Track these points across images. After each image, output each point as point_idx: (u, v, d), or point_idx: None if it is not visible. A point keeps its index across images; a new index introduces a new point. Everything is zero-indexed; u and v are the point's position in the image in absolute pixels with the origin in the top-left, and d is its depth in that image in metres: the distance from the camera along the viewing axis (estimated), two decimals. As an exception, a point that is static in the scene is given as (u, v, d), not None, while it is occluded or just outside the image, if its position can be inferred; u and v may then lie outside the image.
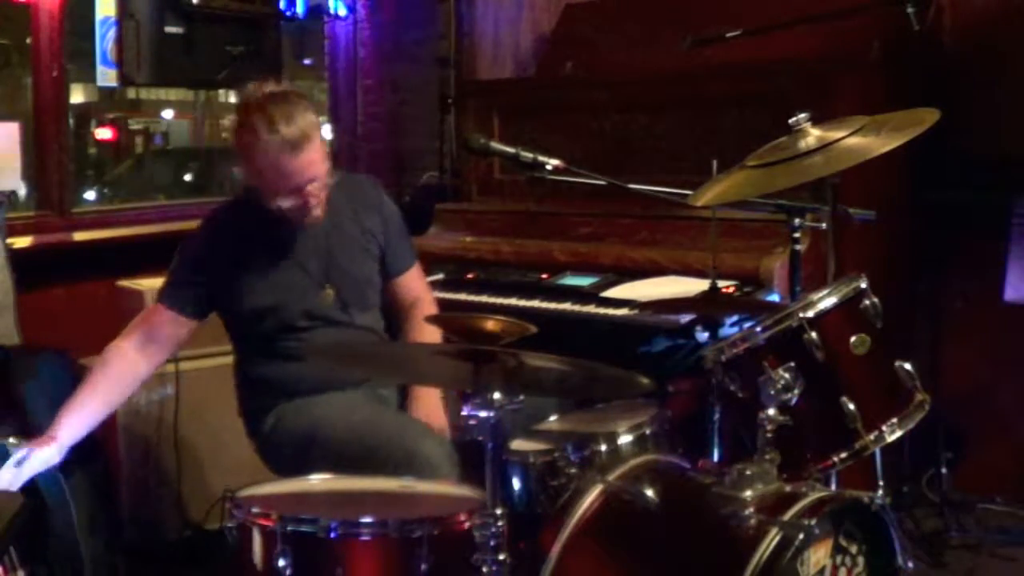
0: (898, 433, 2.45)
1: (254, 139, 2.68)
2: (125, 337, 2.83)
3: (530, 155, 3.00)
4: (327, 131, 5.33)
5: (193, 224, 4.43)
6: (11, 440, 2.61)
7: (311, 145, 2.70)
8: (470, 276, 3.85)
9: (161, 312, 2.85)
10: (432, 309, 3.17)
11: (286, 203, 2.75)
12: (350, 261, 2.97)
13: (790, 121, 2.60)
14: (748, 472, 2.30)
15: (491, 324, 2.18)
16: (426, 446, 2.66)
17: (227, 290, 2.85)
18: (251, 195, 2.84)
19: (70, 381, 3.54)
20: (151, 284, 3.76)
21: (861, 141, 2.49)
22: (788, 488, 2.32)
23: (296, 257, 2.89)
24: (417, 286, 3.19)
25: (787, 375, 2.38)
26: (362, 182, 3.12)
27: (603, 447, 2.60)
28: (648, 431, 2.67)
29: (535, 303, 3.56)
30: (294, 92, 2.77)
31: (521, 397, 2.18)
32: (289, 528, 2.13)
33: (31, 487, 3.28)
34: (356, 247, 2.99)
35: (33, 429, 3.38)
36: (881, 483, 2.90)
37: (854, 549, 2.33)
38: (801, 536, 2.16)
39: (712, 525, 2.28)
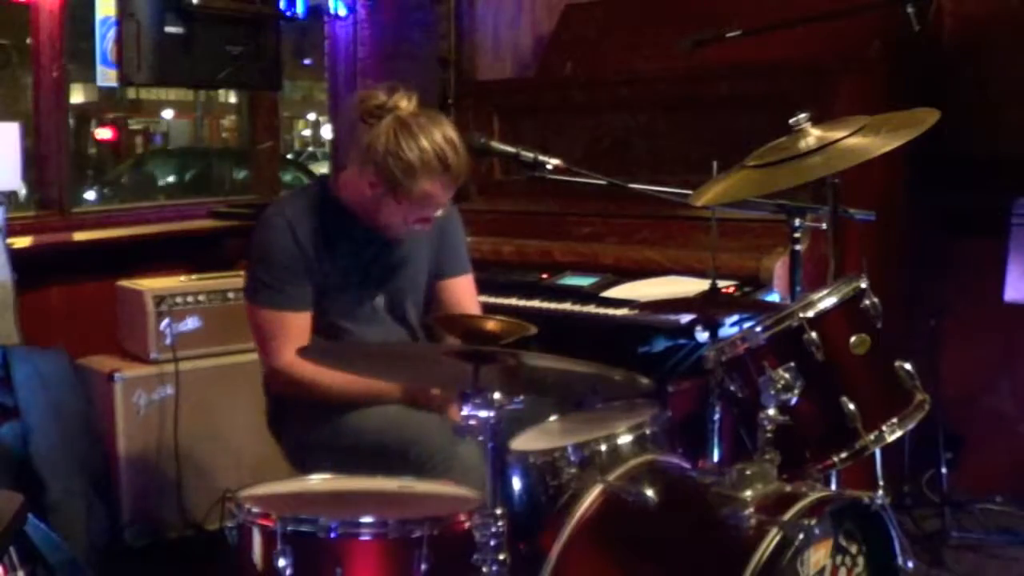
0: (898, 433, 2.45)
1: (421, 154, 2.67)
2: (290, 354, 2.73)
3: (530, 155, 3.00)
4: (327, 131, 5.34)
5: (192, 224, 4.50)
6: None
7: (458, 179, 2.75)
8: (470, 276, 3.85)
9: (296, 318, 2.80)
10: None
11: (400, 220, 2.77)
12: (404, 266, 2.95)
13: (790, 121, 2.60)
14: (748, 472, 2.30)
15: (491, 324, 2.18)
16: (462, 448, 2.65)
17: (315, 282, 2.83)
18: (326, 189, 2.88)
19: (70, 381, 3.56)
20: (151, 284, 3.77)
21: (861, 141, 2.49)
22: (788, 488, 2.32)
23: (360, 257, 2.87)
24: (467, 297, 3.09)
25: (787, 375, 2.38)
26: None
27: (603, 447, 2.59)
28: (648, 431, 2.66)
29: (535, 303, 3.56)
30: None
31: (521, 397, 2.18)
32: (289, 528, 2.13)
33: (31, 486, 3.29)
34: (412, 251, 2.96)
35: (32, 429, 3.40)
36: (881, 483, 2.90)
37: (854, 549, 2.33)
38: (801, 536, 2.16)
39: (712, 525, 2.28)
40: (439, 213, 2.82)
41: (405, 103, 2.74)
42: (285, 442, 2.97)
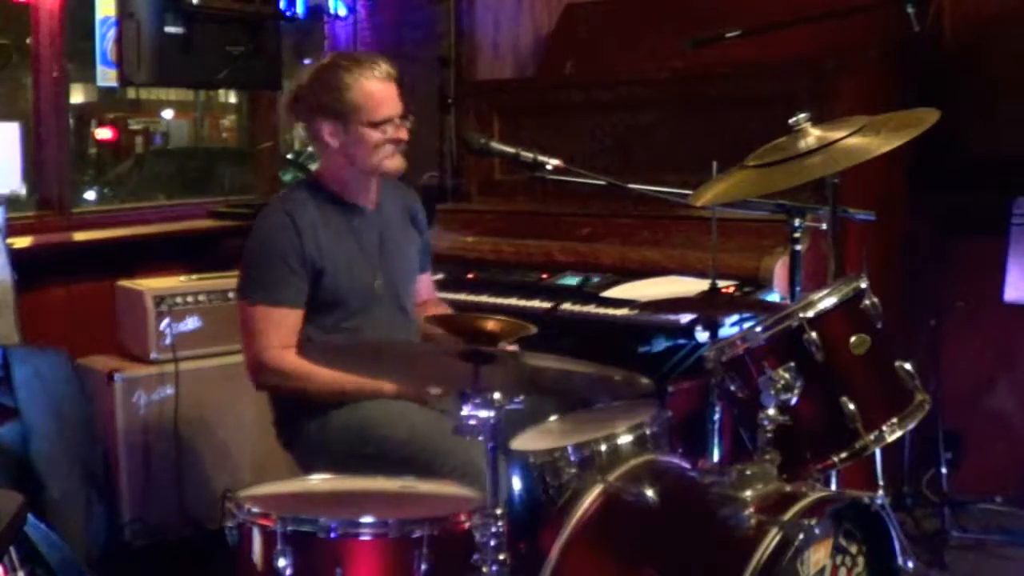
0: (898, 433, 2.45)
1: (348, 72, 2.86)
2: (279, 348, 2.81)
3: (530, 155, 3.00)
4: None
5: (192, 224, 4.49)
6: None
7: (395, 84, 2.91)
8: (470, 276, 3.85)
9: (290, 314, 2.84)
10: (442, 310, 3.23)
11: (380, 140, 2.87)
12: (399, 252, 3.05)
13: (790, 121, 2.60)
14: (748, 472, 2.31)
15: (491, 324, 2.18)
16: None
17: (315, 277, 2.88)
18: (314, 183, 2.98)
19: (70, 381, 3.55)
20: (151, 284, 3.77)
21: (861, 141, 2.49)
22: (788, 488, 2.32)
23: (360, 242, 2.96)
24: (428, 289, 3.31)
25: (787, 375, 2.38)
26: (397, 181, 3.19)
27: (603, 447, 2.60)
28: (648, 431, 2.67)
29: (535, 303, 3.55)
30: None
31: (521, 397, 2.18)
32: (289, 528, 2.13)
33: (31, 485, 3.29)
34: (404, 237, 3.10)
35: (32, 429, 3.39)
36: (881, 483, 2.91)
37: (854, 549, 2.34)
38: (801, 536, 2.16)
39: (712, 525, 2.28)
40: (406, 125, 2.92)
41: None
42: (298, 450, 2.96)
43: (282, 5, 4.30)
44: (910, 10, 3.47)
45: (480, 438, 2.16)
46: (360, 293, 2.93)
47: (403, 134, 2.92)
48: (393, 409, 2.84)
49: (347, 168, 2.94)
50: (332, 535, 2.13)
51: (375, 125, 2.86)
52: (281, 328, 2.82)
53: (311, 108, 2.90)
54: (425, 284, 3.27)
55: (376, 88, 2.87)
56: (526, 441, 2.71)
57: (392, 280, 3.01)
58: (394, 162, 2.93)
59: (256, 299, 2.84)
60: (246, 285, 2.89)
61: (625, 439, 2.62)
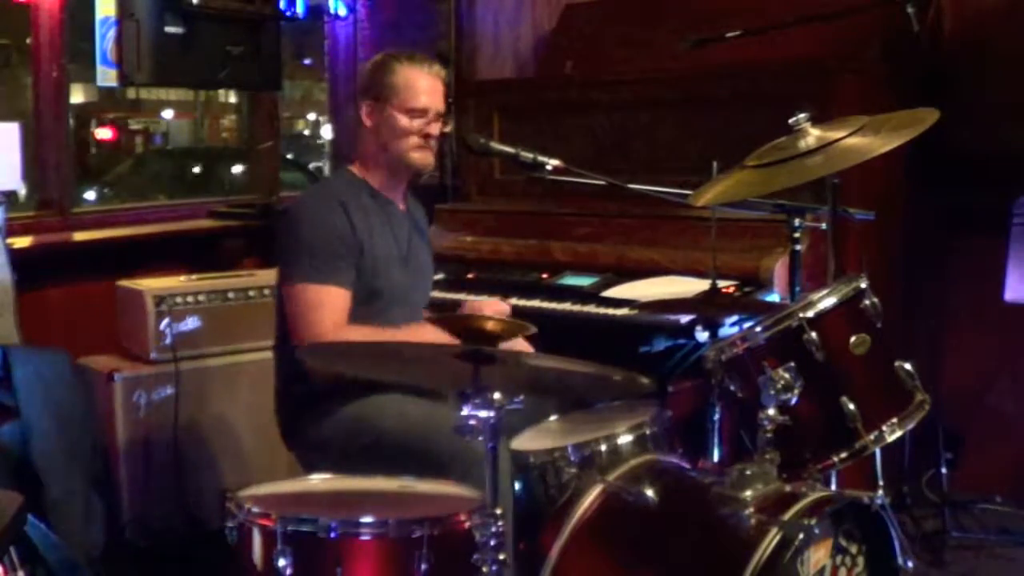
0: (898, 433, 2.45)
1: (398, 61, 3.00)
2: (332, 327, 2.82)
3: (530, 155, 3.01)
4: (327, 131, 5.33)
5: (192, 224, 4.49)
6: None
7: (442, 84, 3.02)
8: (470, 276, 3.85)
9: (342, 293, 2.87)
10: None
11: (408, 127, 2.95)
12: (419, 249, 3.12)
13: (790, 121, 2.60)
14: (748, 472, 2.31)
15: (491, 324, 2.18)
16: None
17: (360, 264, 2.93)
18: (353, 175, 3.04)
19: (70, 381, 3.55)
20: (151, 284, 3.77)
21: (861, 141, 2.49)
22: (788, 488, 2.32)
23: (395, 235, 3.02)
24: None
25: (787, 375, 2.39)
26: (417, 200, 3.28)
27: (603, 447, 2.60)
28: (648, 431, 2.67)
29: (535, 303, 3.56)
30: None
31: (521, 397, 2.18)
32: (289, 528, 2.13)
33: (31, 486, 3.29)
34: (424, 239, 3.19)
35: (32, 429, 3.40)
36: (881, 483, 2.91)
37: (854, 549, 2.34)
38: (801, 536, 2.16)
39: (712, 525, 2.29)
40: (440, 124, 3.01)
41: None
42: (300, 449, 2.98)
43: (282, 5, 4.30)
44: (910, 10, 3.47)
45: (480, 438, 2.16)
46: (394, 286, 2.98)
47: (433, 129, 3.00)
48: (391, 403, 2.85)
49: (381, 158, 3.01)
50: (332, 535, 2.13)
51: (407, 112, 2.95)
52: (335, 306, 2.85)
53: (359, 91, 3.05)
54: None
55: (419, 78, 2.97)
56: (526, 441, 2.71)
57: (416, 278, 3.08)
58: (422, 156, 3.00)
59: (309, 279, 2.85)
60: (298, 268, 2.88)
61: (625, 439, 2.62)
